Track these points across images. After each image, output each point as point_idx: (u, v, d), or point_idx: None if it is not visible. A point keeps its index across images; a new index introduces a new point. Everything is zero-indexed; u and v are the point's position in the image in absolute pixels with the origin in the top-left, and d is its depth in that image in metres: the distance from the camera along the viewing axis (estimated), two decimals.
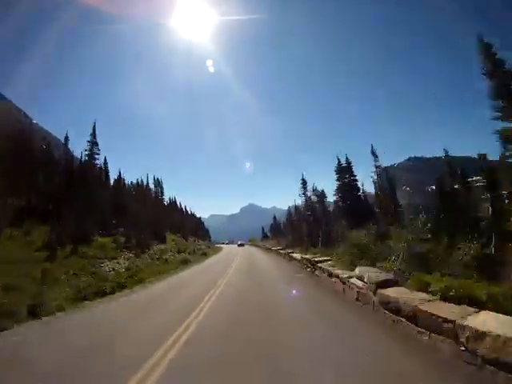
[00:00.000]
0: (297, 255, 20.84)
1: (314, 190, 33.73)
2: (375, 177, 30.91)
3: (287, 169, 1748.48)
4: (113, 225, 28.24)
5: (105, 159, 36.36)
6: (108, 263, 17.92)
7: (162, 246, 32.08)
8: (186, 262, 25.58)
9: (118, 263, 18.70)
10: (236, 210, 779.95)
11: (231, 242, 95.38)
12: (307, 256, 16.88)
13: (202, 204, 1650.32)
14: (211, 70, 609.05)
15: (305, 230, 31.71)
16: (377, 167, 30.67)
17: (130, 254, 22.28)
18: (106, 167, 36.55)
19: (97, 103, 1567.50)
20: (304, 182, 34.62)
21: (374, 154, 30.71)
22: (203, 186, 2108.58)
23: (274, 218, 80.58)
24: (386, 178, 31.44)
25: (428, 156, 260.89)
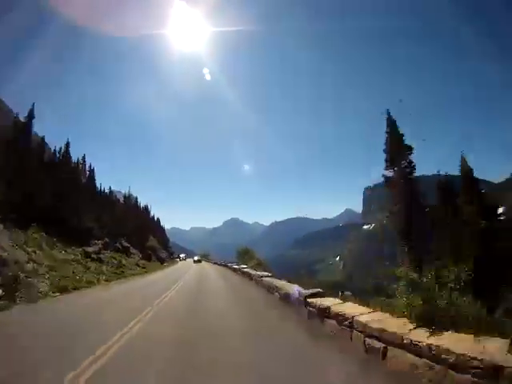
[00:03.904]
0: None
1: None
2: None
3: (271, 184, 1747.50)
4: None
5: None
6: None
7: None
8: None
9: None
10: (218, 224, 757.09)
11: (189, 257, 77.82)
12: None
13: (182, 216, 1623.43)
14: (207, 77, 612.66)
15: None
16: None
17: None
18: None
19: (89, 112, 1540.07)
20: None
21: None
22: (182, 197, 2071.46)
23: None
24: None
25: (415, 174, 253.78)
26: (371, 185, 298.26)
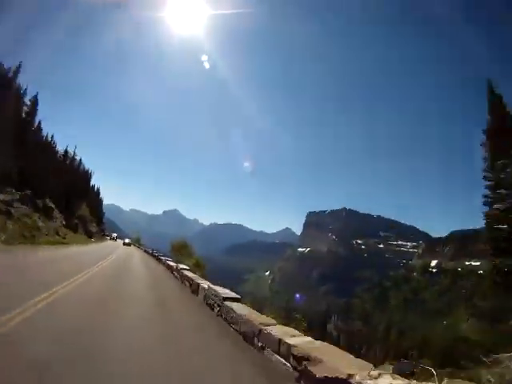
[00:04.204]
0: None
1: None
2: None
3: (220, 186, 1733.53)
4: None
5: None
6: None
7: None
8: None
9: None
10: (158, 212, 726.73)
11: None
12: None
13: (124, 195, 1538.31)
14: (206, 65, 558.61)
15: None
16: None
17: None
18: None
19: (83, 95, 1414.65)
20: None
21: None
22: (130, 177, 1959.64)
23: None
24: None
25: (362, 211, 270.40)
26: (316, 210, 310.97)
